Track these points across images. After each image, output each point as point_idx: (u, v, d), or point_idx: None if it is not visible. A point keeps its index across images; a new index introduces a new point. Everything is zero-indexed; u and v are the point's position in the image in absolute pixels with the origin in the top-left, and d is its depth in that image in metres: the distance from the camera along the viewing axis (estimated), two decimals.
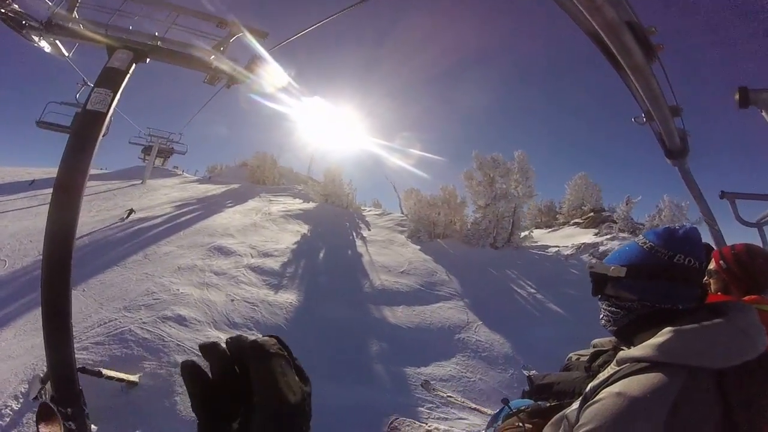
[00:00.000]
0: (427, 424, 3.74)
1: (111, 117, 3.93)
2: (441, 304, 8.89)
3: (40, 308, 3.38)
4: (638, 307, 1.25)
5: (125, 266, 8.80)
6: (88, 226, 11.93)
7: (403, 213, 19.76)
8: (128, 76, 4.08)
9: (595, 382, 1.17)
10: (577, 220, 19.67)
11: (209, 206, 16.73)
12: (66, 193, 3.74)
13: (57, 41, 4.60)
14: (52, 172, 27.42)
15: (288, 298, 7.92)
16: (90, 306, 6.79)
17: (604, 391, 1.08)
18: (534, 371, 2.81)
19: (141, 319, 6.32)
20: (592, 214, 19.38)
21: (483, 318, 8.39)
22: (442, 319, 8.22)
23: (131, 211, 12.62)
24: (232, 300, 7.45)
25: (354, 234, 14.61)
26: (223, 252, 10.07)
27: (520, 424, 1.71)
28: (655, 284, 1.23)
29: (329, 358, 6.27)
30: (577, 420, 1.09)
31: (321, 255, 11.33)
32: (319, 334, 6.90)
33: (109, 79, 3.93)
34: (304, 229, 14.00)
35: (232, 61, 4.59)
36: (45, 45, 4.55)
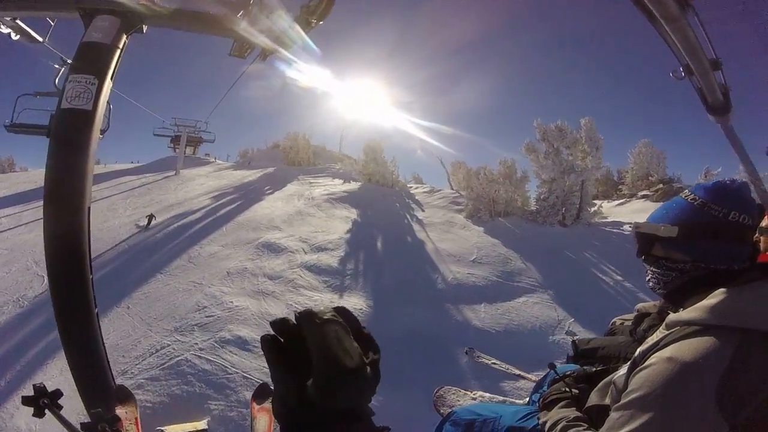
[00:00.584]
0: (472, 391, 3.59)
1: (106, 110, 2.85)
2: (525, 298, 7.64)
3: None
4: (691, 268, 1.18)
5: (170, 273, 7.90)
6: (126, 228, 11.17)
7: (453, 189, 18.47)
8: (119, 52, 2.94)
9: (644, 346, 1.13)
10: (645, 192, 17.87)
11: (248, 194, 15.83)
12: (61, 204, 2.91)
13: (20, 22, 3.45)
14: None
15: (356, 302, 6.84)
16: (138, 328, 5.86)
17: (654, 356, 1.03)
18: (578, 336, 2.51)
19: (197, 344, 5.34)
20: (661, 185, 17.55)
21: (573, 314, 7.12)
22: (531, 317, 6.98)
23: (151, 216, 11.31)
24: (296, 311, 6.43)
25: (408, 216, 13.43)
26: (273, 249, 9.07)
27: (567, 389, 1.60)
28: (710, 244, 1.15)
29: (419, 378, 5.17)
30: (626, 386, 1.07)
31: (379, 245, 10.21)
32: (401, 346, 5.80)
33: (90, 60, 2.83)
34: (353, 214, 12.91)
35: (265, 22, 3.22)
36: (6, 29, 3.42)
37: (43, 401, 1.75)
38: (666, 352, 1.02)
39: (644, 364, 1.05)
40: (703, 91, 2.12)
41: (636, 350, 1.18)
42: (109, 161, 33.27)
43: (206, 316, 6.03)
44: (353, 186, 17.27)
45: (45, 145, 2.85)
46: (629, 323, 2.07)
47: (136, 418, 3.03)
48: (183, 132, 25.43)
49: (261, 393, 3.49)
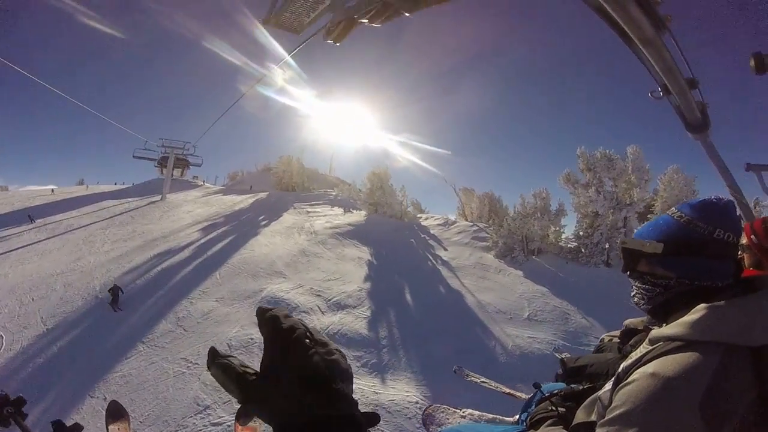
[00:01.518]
0: (461, 409, 3.13)
1: None
2: None
3: None
4: (675, 284, 1.13)
5: (155, 344, 6.26)
6: (100, 271, 9.41)
7: (468, 220, 16.99)
8: None
9: (628, 362, 1.06)
10: None
11: (241, 226, 14.11)
12: None
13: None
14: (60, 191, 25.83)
15: (407, 391, 5.21)
16: None
17: (637, 371, 0.98)
18: (566, 354, 2.15)
19: None
20: None
21: None
22: None
23: (116, 291, 8.09)
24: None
25: (431, 257, 11.84)
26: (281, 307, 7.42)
27: (553, 408, 1.53)
28: (694, 261, 1.11)
29: None
30: (611, 402, 1.02)
31: (408, 297, 8.58)
32: None
33: None
34: (366, 253, 11.30)
35: None
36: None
37: (7, 410, 1.60)
38: (649, 368, 0.95)
39: (627, 380, 0.97)
40: (681, 110, 2.10)
41: (620, 367, 1.09)
42: (94, 182, 31.45)
43: (211, 425, 4.35)
44: (357, 217, 15.70)
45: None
46: (618, 340, 1.86)
47: None
48: (170, 153, 23.23)
49: (245, 413, 2.24)
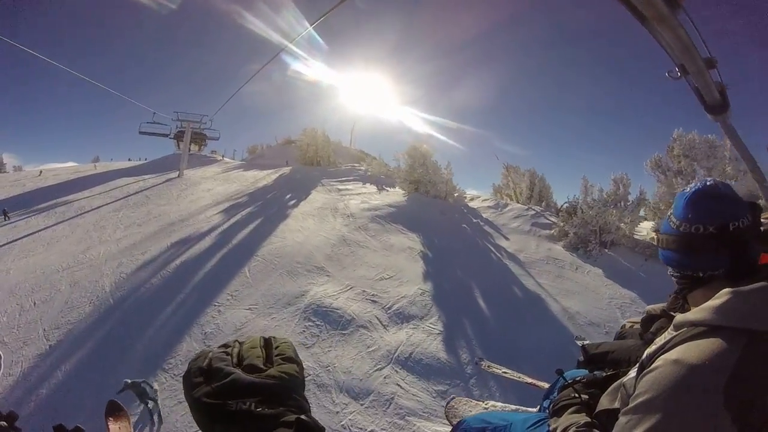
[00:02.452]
0: (484, 402, 3.32)
1: None
2: None
3: None
4: (679, 276, 1.25)
5: (179, 372, 4.79)
6: (111, 265, 8.00)
7: (518, 201, 15.22)
8: None
9: (652, 348, 1.14)
10: None
11: (267, 206, 12.58)
12: None
13: None
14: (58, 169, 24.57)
15: None
16: None
17: (660, 358, 1.04)
18: (587, 340, 2.33)
19: None
20: None
21: None
22: None
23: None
24: None
25: (492, 248, 10.21)
26: (332, 321, 5.83)
27: (576, 395, 1.62)
28: (673, 255, 1.24)
29: None
30: (634, 389, 1.07)
31: (481, 303, 6.99)
32: None
33: None
34: (415, 242, 9.72)
35: None
36: None
37: (1, 424, 1.46)
38: (673, 354, 1.00)
39: (651, 367, 1.03)
40: (700, 91, 2.03)
41: (644, 354, 1.17)
42: (110, 158, 30.30)
43: None
44: (396, 196, 14.05)
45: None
46: (639, 326, 2.01)
47: None
48: (187, 127, 21.57)
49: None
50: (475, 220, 12.36)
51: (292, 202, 13.27)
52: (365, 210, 11.90)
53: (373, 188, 15.91)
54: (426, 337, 5.52)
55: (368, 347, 5.19)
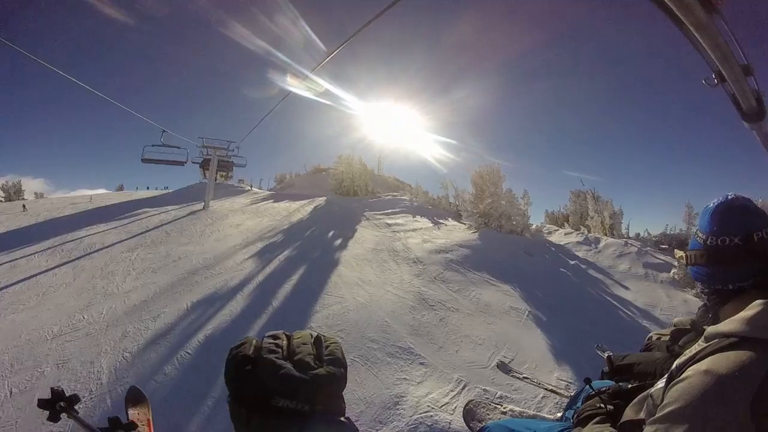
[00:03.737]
0: (502, 405, 3.27)
1: None
2: None
3: None
4: (708, 289, 1.24)
5: None
6: (113, 336, 5.78)
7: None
8: None
9: (682, 359, 1.13)
10: None
11: (309, 248, 10.24)
12: None
13: None
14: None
15: None
16: None
17: (690, 368, 1.04)
18: (611, 351, 2.32)
19: None
20: None
21: None
22: None
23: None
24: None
25: (616, 303, 7.96)
26: None
27: (601, 405, 1.61)
28: (701, 269, 1.23)
29: None
30: (662, 399, 1.07)
31: None
32: None
33: None
34: (515, 298, 7.37)
35: None
36: None
37: (60, 405, 1.62)
38: (702, 365, 1.00)
39: (681, 377, 1.03)
40: (737, 98, 2.02)
41: (673, 365, 1.16)
42: (133, 187, 28.80)
43: None
44: (461, 232, 11.66)
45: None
46: (666, 338, 2.05)
47: (148, 420, 2.84)
48: (213, 155, 19.25)
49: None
50: (572, 262, 9.85)
51: (338, 241, 10.93)
52: (432, 252, 9.49)
53: (426, 222, 13.55)
54: None
55: None
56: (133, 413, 2.85)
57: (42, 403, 1.62)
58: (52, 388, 1.66)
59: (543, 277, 8.93)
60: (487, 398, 3.61)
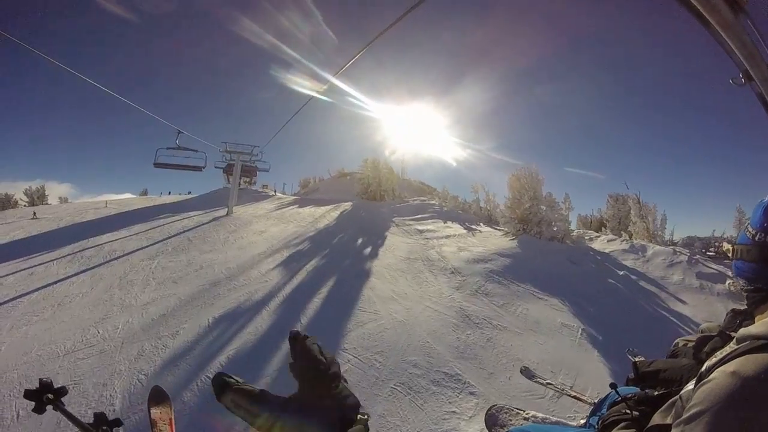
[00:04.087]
0: (525, 411, 3.16)
1: None
2: None
3: None
4: (748, 287, 1.19)
5: None
6: (128, 353, 5.26)
7: (629, 238, 11.83)
8: None
9: (712, 360, 1.09)
10: None
11: (337, 257, 9.65)
12: None
13: None
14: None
15: None
16: None
17: (718, 369, 1.00)
18: (640, 357, 2.39)
19: None
20: None
21: None
22: None
23: None
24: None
25: (674, 319, 7.32)
26: None
27: (628, 412, 1.60)
28: (746, 265, 1.18)
29: None
30: (690, 400, 1.03)
31: None
32: None
33: None
34: (565, 314, 6.72)
35: None
36: None
37: (47, 397, 1.50)
38: (730, 366, 0.96)
39: (708, 378, 1.00)
40: (764, 97, 1.94)
41: (703, 367, 1.13)
42: (159, 190, 28.86)
43: None
44: (498, 239, 10.93)
45: None
46: (693, 344, 1.98)
47: (170, 419, 2.74)
48: (237, 160, 18.74)
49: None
50: (621, 273, 9.04)
51: (368, 249, 10.31)
52: (470, 262, 8.79)
53: (459, 228, 12.84)
54: None
55: None
56: (155, 412, 2.79)
57: (28, 394, 1.51)
58: (40, 379, 1.56)
59: (592, 290, 8.15)
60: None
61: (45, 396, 1.52)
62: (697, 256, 10.34)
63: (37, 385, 1.52)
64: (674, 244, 12.47)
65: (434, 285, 7.61)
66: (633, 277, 9.14)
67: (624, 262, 9.75)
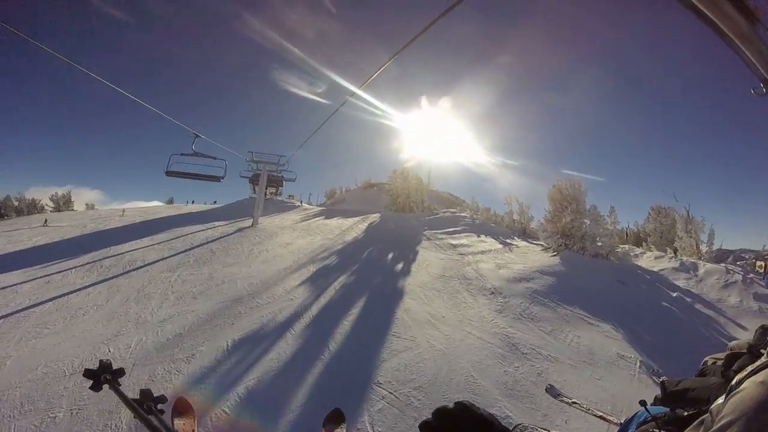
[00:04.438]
0: (551, 431, 3.13)
1: None
2: None
3: None
4: None
5: None
6: (139, 376, 4.75)
7: (674, 255, 10.89)
8: None
9: (743, 373, 1.11)
10: None
11: (367, 273, 9.02)
12: None
13: None
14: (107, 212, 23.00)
15: None
16: None
17: (748, 380, 1.02)
18: (666, 376, 2.37)
19: None
20: None
21: None
22: None
23: None
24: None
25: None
26: None
27: (656, 431, 1.56)
28: None
29: None
30: (720, 413, 1.03)
31: None
32: None
33: None
34: (621, 342, 6.17)
35: None
36: None
37: (105, 376, 1.65)
38: (759, 377, 0.98)
39: (738, 389, 1.01)
40: None
41: (733, 380, 1.13)
42: (185, 199, 28.88)
43: None
44: (538, 255, 10.17)
45: None
46: (722, 362, 1.96)
47: (193, 430, 2.82)
48: (263, 170, 18.18)
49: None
50: (674, 294, 8.20)
51: (399, 265, 9.66)
52: (510, 281, 8.06)
53: (494, 242, 12.08)
54: None
55: None
56: (179, 423, 2.78)
57: (88, 373, 1.60)
58: (100, 360, 1.66)
59: (646, 314, 7.35)
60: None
61: (103, 375, 1.61)
62: (751, 275, 9.43)
63: (97, 366, 1.62)
64: (725, 260, 11.54)
65: (474, 307, 6.91)
66: (688, 299, 8.27)
67: (676, 282, 8.88)
